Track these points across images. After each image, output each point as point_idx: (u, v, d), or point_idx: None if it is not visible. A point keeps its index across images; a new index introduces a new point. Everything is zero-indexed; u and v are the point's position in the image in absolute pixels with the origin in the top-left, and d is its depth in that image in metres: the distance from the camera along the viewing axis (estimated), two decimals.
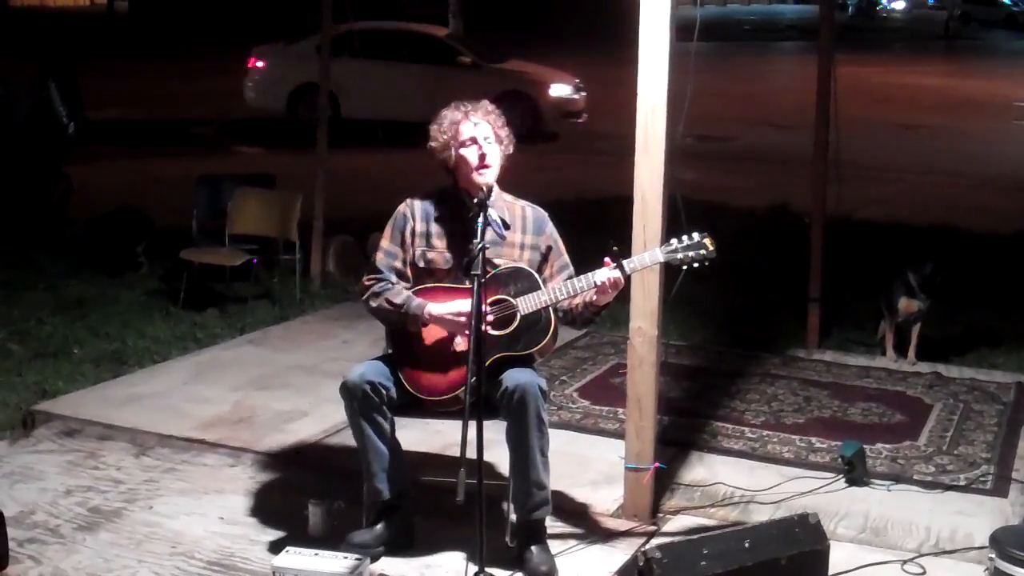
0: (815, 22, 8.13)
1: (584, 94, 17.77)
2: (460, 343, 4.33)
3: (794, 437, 5.80)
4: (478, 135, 4.36)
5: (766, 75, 27.57)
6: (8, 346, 7.09)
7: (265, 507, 4.92)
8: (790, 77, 24.20)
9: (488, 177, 4.38)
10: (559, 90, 17.38)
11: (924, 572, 4.45)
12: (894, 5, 62.10)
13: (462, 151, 4.38)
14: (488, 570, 3.96)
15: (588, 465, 5.36)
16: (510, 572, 4.32)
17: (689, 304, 7.30)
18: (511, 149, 4.47)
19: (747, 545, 3.72)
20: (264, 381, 6.47)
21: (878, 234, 10.23)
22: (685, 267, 4.31)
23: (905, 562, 4.51)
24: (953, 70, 30.35)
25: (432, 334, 4.39)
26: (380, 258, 4.50)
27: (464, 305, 4.20)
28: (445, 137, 4.39)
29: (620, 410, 5.93)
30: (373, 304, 4.42)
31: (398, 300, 4.35)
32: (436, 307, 4.31)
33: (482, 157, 4.35)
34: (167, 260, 8.70)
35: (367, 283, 4.47)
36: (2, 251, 9.20)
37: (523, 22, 36.90)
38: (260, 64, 17.24)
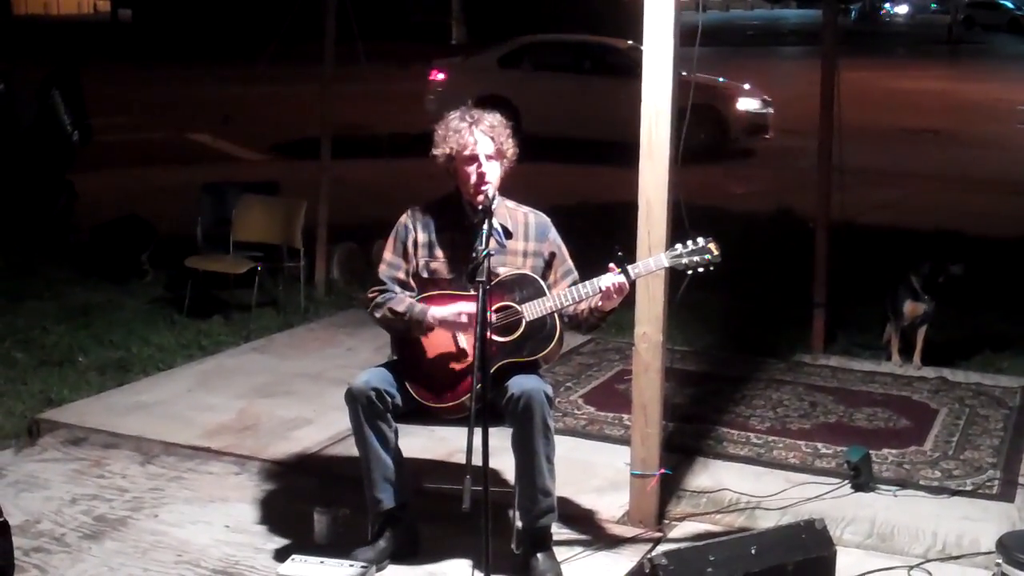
0: (818, 27, 8.15)
1: (772, 110, 16.89)
2: (467, 351, 4.32)
3: (800, 443, 5.79)
4: (479, 152, 4.34)
5: (769, 80, 27.53)
6: (13, 354, 7.10)
7: (270, 515, 4.92)
8: (793, 82, 24.16)
9: (488, 193, 4.35)
10: (747, 104, 16.65)
11: None
12: (897, 9, 62.14)
13: (463, 166, 4.37)
14: None
15: (593, 471, 5.35)
16: None
17: (693, 309, 7.29)
18: (514, 159, 4.45)
19: (753, 551, 3.71)
20: (269, 389, 6.47)
21: (882, 239, 10.22)
22: (690, 272, 4.30)
23: (912, 568, 4.50)
24: (956, 74, 30.36)
25: (437, 341, 4.38)
26: (383, 270, 4.50)
27: (466, 305, 4.21)
28: (448, 147, 4.37)
29: (625, 416, 5.93)
30: (377, 315, 4.42)
31: (401, 308, 4.35)
32: (439, 310, 4.31)
33: (480, 176, 4.33)
34: (172, 268, 8.70)
35: (371, 295, 4.46)
36: (6, 259, 9.22)
37: (527, 30, 36.91)
38: (441, 76, 16.93)
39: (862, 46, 34.87)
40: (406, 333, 4.39)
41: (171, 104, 20.34)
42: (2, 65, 10.10)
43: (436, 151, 4.40)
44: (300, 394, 6.39)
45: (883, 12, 59.59)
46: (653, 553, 4.23)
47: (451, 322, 4.29)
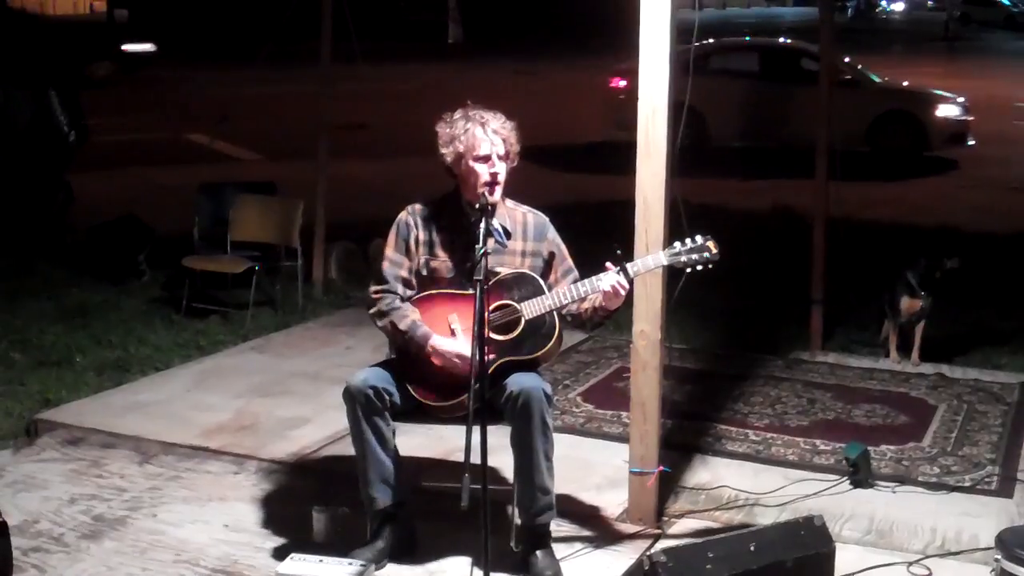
0: (814, 24, 8.14)
1: (971, 117, 15.62)
2: (464, 340, 4.31)
3: (798, 439, 5.79)
4: (493, 153, 4.34)
5: None
6: (11, 355, 7.10)
7: (269, 514, 4.91)
8: None
9: (496, 195, 4.37)
10: (947, 110, 15.42)
11: (930, 573, 4.44)
12: (893, 7, 62.16)
13: (473, 165, 4.36)
14: (493, 575, 3.94)
15: (592, 469, 5.35)
16: None
17: (691, 307, 7.28)
18: (517, 160, 4.46)
19: (753, 548, 3.72)
20: (267, 388, 6.47)
21: (880, 235, 10.23)
22: (688, 270, 4.30)
23: (911, 564, 4.50)
24: (953, 71, 30.30)
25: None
26: (386, 267, 4.49)
27: (466, 349, 4.19)
28: (458, 145, 4.36)
29: (624, 414, 5.91)
30: (379, 323, 4.42)
31: (403, 326, 4.34)
32: (440, 342, 4.32)
33: (493, 176, 4.34)
34: (169, 268, 8.70)
35: (375, 297, 4.44)
36: (4, 259, 9.21)
37: (524, 28, 36.93)
38: (623, 84, 15.62)
39: (858, 43, 34.83)
40: (403, 347, 4.40)
41: (167, 104, 20.32)
42: None
43: (445, 150, 4.39)
44: (298, 393, 6.39)
45: (879, 9, 59.61)
46: (652, 550, 4.23)
47: (448, 361, 4.30)
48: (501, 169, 4.37)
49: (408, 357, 4.42)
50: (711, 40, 16.97)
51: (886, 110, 14.97)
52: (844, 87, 14.86)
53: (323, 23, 8.34)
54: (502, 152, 4.37)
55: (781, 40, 17.84)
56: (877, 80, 15.81)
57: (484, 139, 4.33)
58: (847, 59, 15.90)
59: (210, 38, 32.23)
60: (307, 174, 8.86)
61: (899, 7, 62.29)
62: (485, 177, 4.34)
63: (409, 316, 4.38)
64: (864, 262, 8.67)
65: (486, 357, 3.94)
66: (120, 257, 9.05)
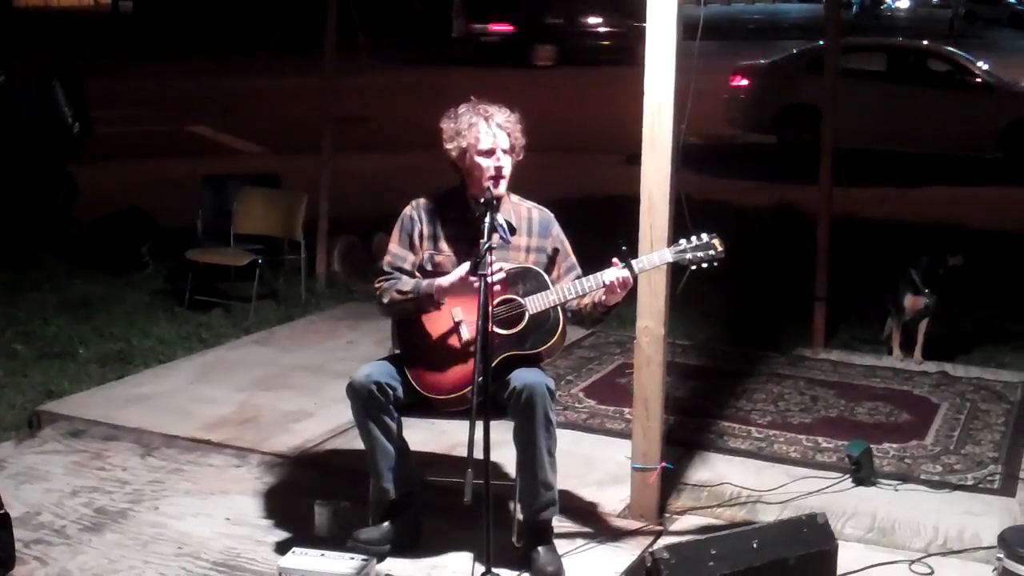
0: (820, 21, 8.12)
1: None
2: (470, 343, 4.30)
3: (801, 437, 5.78)
4: (497, 147, 4.34)
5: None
6: (13, 346, 7.09)
7: (271, 508, 4.91)
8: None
9: (501, 189, 4.37)
10: None
11: (932, 572, 4.44)
12: (898, 4, 62.02)
13: (478, 159, 4.35)
14: (495, 570, 3.94)
15: (594, 465, 5.34)
16: (517, 572, 4.31)
17: (694, 303, 7.29)
18: (522, 155, 4.45)
19: (755, 545, 3.71)
20: (270, 381, 6.46)
21: (884, 233, 10.21)
22: (694, 267, 4.30)
23: (913, 562, 4.49)
24: None
25: (440, 332, 4.37)
26: (389, 260, 4.49)
27: (465, 266, 4.20)
28: (462, 139, 4.36)
29: (626, 410, 5.93)
30: (385, 300, 4.41)
31: (407, 288, 4.35)
32: (444, 279, 4.31)
33: (498, 170, 4.34)
34: (172, 260, 8.70)
35: (377, 285, 4.46)
36: (7, 251, 9.20)
37: (526, 23, 36.82)
38: (744, 83, 15.70)
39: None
40: (416, 312, 4.38)
41: (172, 97, 20.30)
42: (2, 57, 10.07)
43: (449, 145, 4.39)
44: (301, 387, 6.38)
45: (884, 6, 59.48)
46: (654, 547, 4.24)
47: (457, 285, 4.26)
48: (505, 163, 4.37)
49: (412, 350, 4.42)
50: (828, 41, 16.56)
51: (1016, 118, 14.40)
52: (976, 91, 14.78)
53: (328, 16, 8.33)
54: (506, 146, 4.37)
55: (908, 41, 17.41)
56: (1011, 84, 15.24)
57: (488, 133, 4.33)
58: (983, 64, 15.44)
59: (215, 30, 32.19)
60: (310, 167, 8.86)
61: (904, 4, 62.15)
62: (490, 171, 4.34)
63: (410, 280, 4.39)
64: (865, 259, 8.65)
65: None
66: (123, 249, 9.04)
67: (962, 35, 42.15)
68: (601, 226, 7.33)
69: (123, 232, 9.12)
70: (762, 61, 16.48)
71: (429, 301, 4.35)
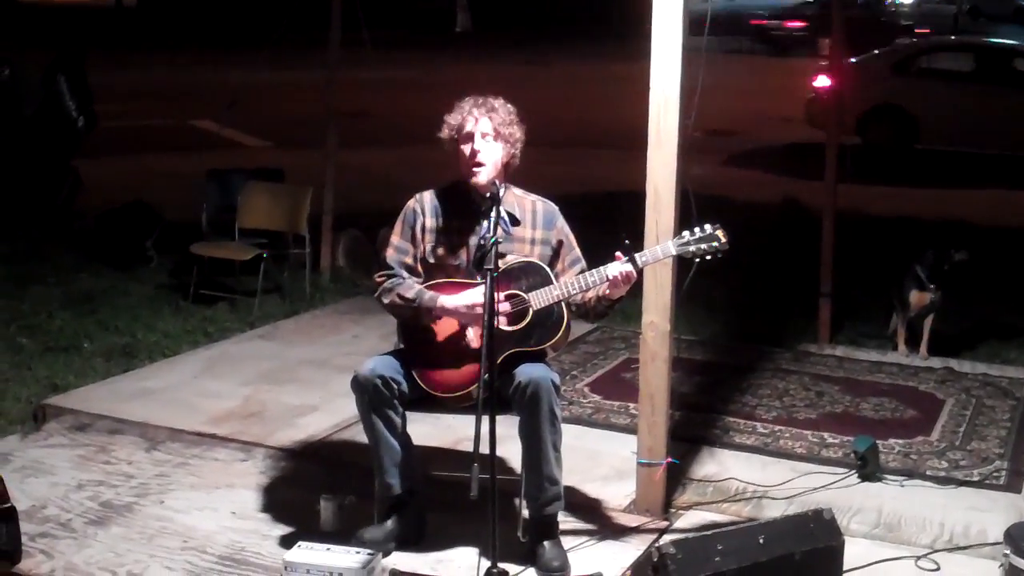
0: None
1: None
2: (473, 339, 4.30)
3: (806, 432, 5.78)
4: (476, 131, 4.33)
5: (774, 69, 27.49)
6: (18, 340, 7.09)
7: (276, 502, 4.91)
8: (799, 71, 24.09)
9: (480, 177, 4.34)
10: None
11: (938, 568, 4.43)
12: None
13: (460, 146, 4.36)
14: (500, 565, 3.94)
15: (599, 460, 5.34)
16: (522, 567, 4.31)
17: (699, 298, 7.28)
18: (520, 146, 4.43)
19: (761, 541, 3.70)
20: (274, 375, 6.46)
21: (889, 228, 10.20)
22: (698, 260, 4.28)
23: (919, 558, 4.49)
24: None
25: (444, 329, 4.37)
26: (391, 254, 4.49)
27: (477, 296, 4.18)
28: (449, 128, 4.38)
29: (631, 405, 5.92)
30: (385, 300, 4.41)
31: (410, 295, 4.34)
32: (449, 299, 4.29)
33: (473, 154, 4.32)
34: (176, 254, 8.70)
35: (379, 280, 4.46)
36: (11, 245, 9.22)
37: (532, 18, 36.85)
38: (828, 82, 15.27)
39: (869, 35, 34.75)
40: (414, 320, 4.38)
41: (176, 91, 20.30)
42: (7, 51, 10.08)
43: (441, 134, 4.41)
44: (306, 381, 6.38)
45: (888, 1, 59.37)
46: (661, 542, 4.23)
47: (461, 313, 4.27)
48: (484, 148, 4.33)
49: (417, 345, 4.42)
50: (915, 39, 16.38)
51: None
52: None
53: (333, 10, 8.32)
54: (487, 130, 4.33)
55: (995, 41, 16.83)
56: None
57: (470, 118, 4.34)
58: None
59: (218, 24, 32.18)
60: (314, 161, 8.85)
61: None
62: (467, 155, 4.34)
63: (415, 286, 4.38)
64: (871, 255, 8.64)
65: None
66: (128, 243, 9.04)
67: (966, 31, 42.08)
68: (605, 220, 7.32)
69: (128, 226, 9.12)
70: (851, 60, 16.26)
71: (429, 314, 4.34)
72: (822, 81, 14.85)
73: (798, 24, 31.68)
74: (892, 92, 14.30)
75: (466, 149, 4.34)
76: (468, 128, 4.33)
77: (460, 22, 38.14)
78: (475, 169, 4.33)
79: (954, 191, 12.09)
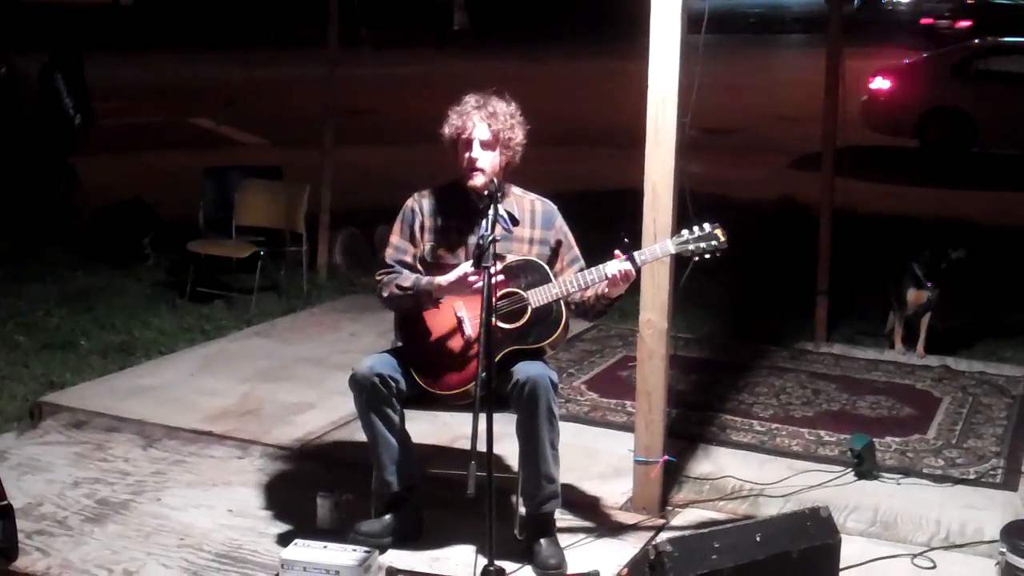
0: (821, 15, 8.10)
1: None
2: (472, 337, 4.30)
3: (803, 430, 5.78)
4: (475, 137, 4.31)
5: (772, 68, 27.52)
6: (15, 337, 7.10)
7: (273, 499, 4.91)
8: (796, 70, 24.09)
9: (476, 181, 4.33)
10: None
11: (934, 566, 4.43)
12: None
13: (460, 150, 4.36)
14: (497, 563, 3.94)
15: (596, 458, 5.34)
16: (519, 565, 4.31)
17: (696, 297, 7.28)
18: (520, 149, 4.42)
19: (758, 539, 3.71)
20: (271, 373, 6.46)
21: (885, 227, 10.20)
22: (696, 258, 4.29)
23: (915, 556, 4.49)
24: None
25: (442, 326, 4.37)
26: (390, 253, 4.49)
27: (468, 267, 4.19)
28: (449, 129, 4.37)
29: (628, 403, 5.93)
30: (385, 294, 4.41)
31: (407, 283, 4.35)
32: (443, 277, 4.29)
33: (471, 161, 4.32)
34: (173, 252, 8.70)
35: (378, 278, 4.46)
36: (8, 242, 9.21)
37: (529, 16, 36.82)
38: (886, 85, 14.91)
39: (865, 34, 34.76)
40: (415, 309, 4.37)
41: (173, 89, 20.29)
42: (5, 49, 10.07)
43: (441, 132, 4.40)
44: (303, 379, 6.38)
45: (885, 1, 59.36)
46: (657, 539, 4.24)
47: (456, 284, 4.24)
48: (481, 156, 4.32)
49: (414, 342, 4.42)
50: (976, 40, 16.20)
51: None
52: None
53: (331, 8, 8.32)
54: (485, 138, 4.32)
55: None
56: None
57: (471, 123, 4.32)
58: None
59: (215, 22, 32.16)
60: (311, 159, 8.85)
61: None
62: (464, 162, 4.34)
63: (411, 276, 4.38)
64: (868, 253, 8.64)
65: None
66: (125, 241, 9.04)
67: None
68: (605, 219, 7.31)
69: (125, 223, 9.13)
70: (905, 61, 16.07)
71: (428, 298, 4.33)
72: (879, 83, 14.98)
73: (966, 24, 31.54)
74: (950, 94, 14.28)
75: (465, 154, 4.34)
76: (468, 134, 4.32)
77: (457, 20, 38.13)
78: (472, 174, 4.33)
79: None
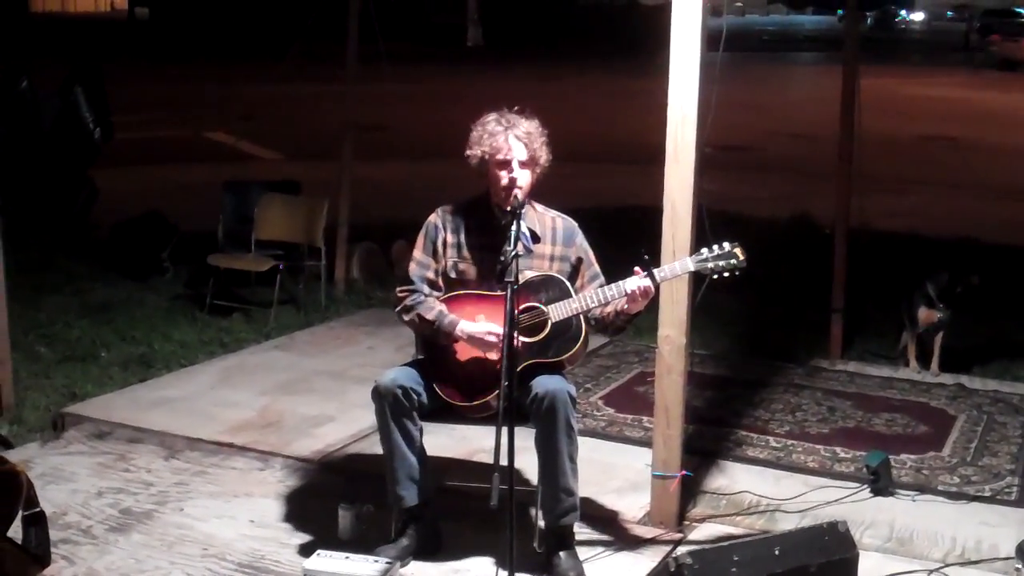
0: (833, 34, 8.17)
1: None
2: (492, 352, 4.36)
3: (818, 447, 5.82)
4: (513, 158, 4.37)
5: (785, 86, 27.61)
6: (36, 348, 7.16)
7: (294, 511, 4.95)
8: (809, 88, 24.20)
9: (515, 202, 4.38)
10: None
11: None
12: (913, 16, 62.01)
13: (495, 170, 4.40)
14: (517, 575, 3.97)
15: (613, 472, 5.38)
16: None
17: (710, 313, 7.32)
18: (546, 165, 4.48)
19: (777, 552, 3.75)
20: (291, 386, 6.52)
21: (899, 246, 10.23)
22: (715, 276, 4.33)
23: (931, 572, 4.52)
24: (973, 82, 30.31)
25: (464, 343, 4.42)
26: (412, 268, 4.54)
27: (495, 326, 4.25)
28: (482, 149, 4.40)
29: (645, 418, 5.99)
30: (406, 317, 4.46)
31: (430, 316, 4.39)
32: (469, 325, 4.35)
33: (512, 181, 4.37)
34: (191, 265, 8.77)
35: (400, 295, 4.50)
36: (28, 255, 9.27)
37: (542, 33, 36.97)
38: None
39: (878, 53, 34.82)
40: (433, 339, 4.44)
41: (189, 103, 20.41)
42: (23, 63, 10.18)
43: (470, 152, 4.44)
44: (322, 391, 6.43)
45: (898, 19, 59.42)
46: (677, 552, 4.27)
47: (479, 340, 4.33)
48: (520, 176, 4.38)
49: (436, 356, 4.47)
50: None
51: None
52: None
53: (350, 23, 8.38)
54: (524, 158, 4.39)
55: None
56: None
57: (505, 145, 4.37)
58: None
59: (231, 36, 32.31)
60: (326, 174, 8.91)
61: (918, 17, 62.14)
62: (503, 182, 4.39)
63: (436, 307, 4.42)
64: (882, 272, 8.68)
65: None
66: (143, 254, 9.11)
67: (978, 48, 42.14)
68: (623, 236, 7.36)
69: (144, 237, 9.19)
70: None
71: (447, 338, 4.39)
72: None
73: None
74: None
75: (502, 174, 4.38)
76: (505, 155, 4.37)
77: (471, 36, 38.29)
78: (513, 194, 4.38)
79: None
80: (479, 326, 4.34)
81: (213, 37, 33.11)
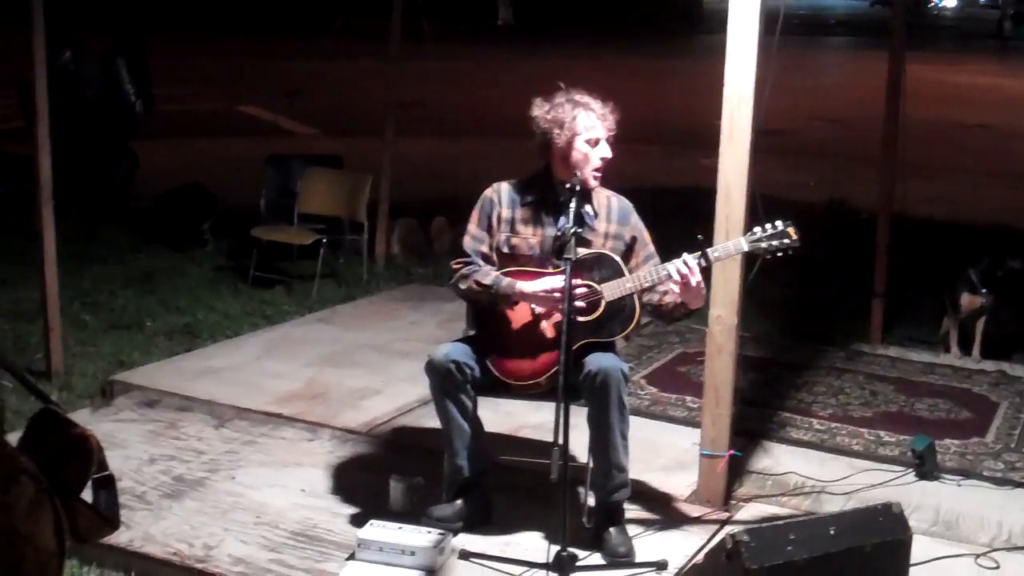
0: (864, 18, 8.13)
1: None
2: (547, 328, 4.39)
3: (862, 430, 5.83)
4: (601, 137, 4.42)
5: (820, 70, 27.41)
6: (82, 317, 7.24)
7: (344, 481, 5.00)
8: (845, 73, 24.05)
9: (599, 179, 4.44)
10: None
11: (998, 566, 4.47)
12: (945, 3, 61.52)
13: (586, 148, 4.42)
14: (569, 549, 4.01)
15: (659, 451, 5.41)
16: (588, 552, 4.37)
17: (751, 296, 7.30)
18: None
19: (832, 532, 3.76)
20: (336, 359, 6.56)
21: (936, 231, 10.21)
22: (769, 256, 4.35)
23: (978, 556, 4.54)
24: (1006, 70, 30.07)
25: (518, 318, 4.45)
26: (467, 241, 4.57)
27: (555, 281, 4.26)
28: (569, 128, 4.39)
29: (688, 398, 6.02)
30: (462, 286, 4.48)
31: (487, 281, 4.42)
32: (527, 285, 4.36)
33: (605, 160, 4.43)
34: (231, 237, 8.82)
35: (455, 266, 4.53)
36: (70, 224, 9.32)
37: (575, 10, 36.82)
38: None
39: (910, 39, 34.57)
40: (491, 306, 4.46)
41: (231, 76, 20.43)
42: (68, 34, 10.24)
43: (545, 123, 4.43)
44: (367, 365, 6.47)
45: (931, 5, 58.97)
46: (722, 532, 4.30)
47: (539, 298, 4.35)
48: (608, 153, 4.44)
49: (488, 331, 4.50)
50: None
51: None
52: None
53: (394, 11, 8.40)
54: (608, 136, 4.44)
55: None
56: None
57: (596, 123, 4.41)
58: None
59: (272, 11, 32.31)
60: (363, 149, 8.93)
61: (951, 3, 61.65)
62: (595, 162, 4.42)
63: (491, 272, 4.46)
64: (921, 258, 8.66)
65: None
66: (185, 225, 9.18)
67: (1012, 37, 41.80)
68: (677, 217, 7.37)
69: (186, 208, 9.26)
70: None
71: (507, 300, 4.41)
72: None
73: None
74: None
75: (593, 152, 4.42)
76: (596, 133, 4.41)
77: (502, 15, 38.19)
78: (598, 173, 4.43)
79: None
80: (538, 283, 4.35)
81: (258, 11, 33.07)
